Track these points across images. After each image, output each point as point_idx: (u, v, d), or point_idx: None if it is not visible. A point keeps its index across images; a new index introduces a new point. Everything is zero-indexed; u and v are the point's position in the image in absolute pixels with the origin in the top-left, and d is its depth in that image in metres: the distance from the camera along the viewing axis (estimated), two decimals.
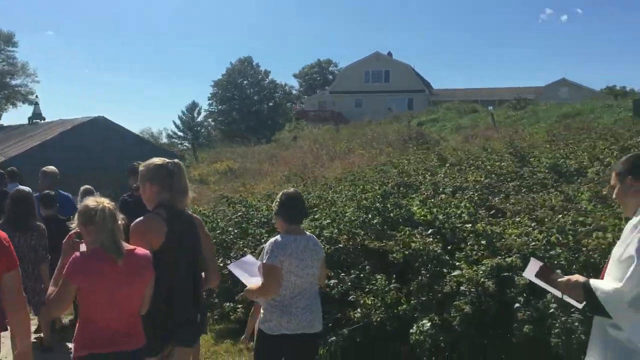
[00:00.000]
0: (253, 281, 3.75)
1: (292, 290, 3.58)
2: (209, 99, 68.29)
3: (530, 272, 2.80)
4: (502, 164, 9.54)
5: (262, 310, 3.71)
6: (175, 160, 3.32)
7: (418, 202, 6.08)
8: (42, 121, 25.83)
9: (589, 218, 4.87)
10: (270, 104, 67.16)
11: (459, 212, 5.55)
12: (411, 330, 4.75)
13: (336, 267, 5.74)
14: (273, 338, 3.57)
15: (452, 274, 4.56)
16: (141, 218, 3.14)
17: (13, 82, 39.97)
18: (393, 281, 5.12)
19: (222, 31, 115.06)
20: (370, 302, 5.07)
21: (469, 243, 4.95)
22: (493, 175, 9.03)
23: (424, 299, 4.76)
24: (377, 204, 6.07)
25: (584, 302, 2.57)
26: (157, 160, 3.29)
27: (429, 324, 4.69)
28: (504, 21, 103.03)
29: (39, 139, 20.33)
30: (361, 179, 11.04)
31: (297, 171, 16.65)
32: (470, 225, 5.06)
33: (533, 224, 5.10)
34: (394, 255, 4.99)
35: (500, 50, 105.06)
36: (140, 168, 3.31)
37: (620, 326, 2.36)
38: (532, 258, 3.06)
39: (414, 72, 49.83)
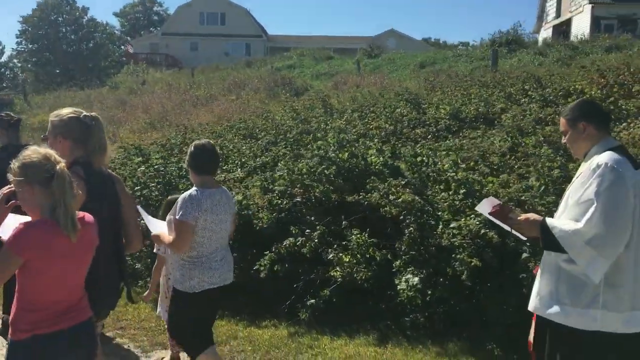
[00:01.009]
0: (159, 226, 3.67)
1: (209, 245, 3.51)
2: (17, 37, 60.07)
3: (485, 208, 2.96)
4: (401, 110, 9.63)
5: (175, 271, 3.60)
6: (93, 113, 2.97)
7: (375, 151, 5.78)
8: None
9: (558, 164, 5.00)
10: (91, 44, 61.08)
11: (427, 159, 5.37)
12: (400, 287, 4.55)
13: (296, 224, 5.31)
14: (196, 296, 3.50)
15: (451, 226, 4.39)
16: None
17: None
18: (366, 236, 4.84)
19: None
20: (348, 260, 4.76)
21: (450, 193, 4.82)
22: (396, 123, 9.09)
23: (413, 253, 4.56)
24: (331, 154, 5.67)
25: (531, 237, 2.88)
26: (70, 111, 2.93)
27: (416, 279, 4.53)
28: None
29: None
30: (252, 127, 10.48)
31: (158, 118, 15.41)
32: (452, 173, 4.90)
33: (507, 172, 5.12)
34: (386, 209, 4.68)
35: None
36: (52, 118, 2.92)
37: (575, 261, 2.58)
38: (490, 197, 3.36)
39: (250, 16, 48.63)
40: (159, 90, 19.65)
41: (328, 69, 20.63)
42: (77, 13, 61.04)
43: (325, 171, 5.52)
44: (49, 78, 54.81)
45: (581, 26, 27.06)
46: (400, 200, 4.63)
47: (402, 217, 4.67)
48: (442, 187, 5.07)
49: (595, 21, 27.01)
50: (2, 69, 61.19)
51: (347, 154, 5.65)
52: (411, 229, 4.56)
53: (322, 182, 5.42)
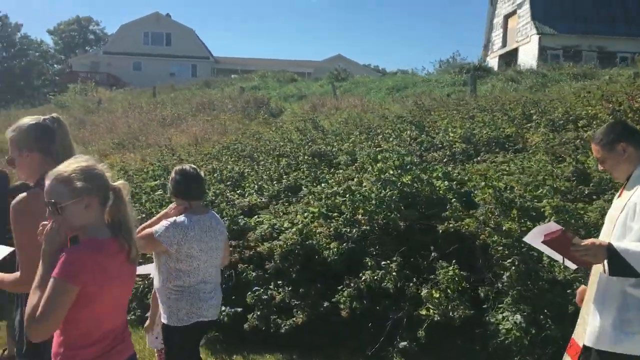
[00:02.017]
0: None
1: (196, 275, 3.32)
2: None
3: (536, 236, 2.76)
4: (410, 133, 9.34)
5: (163, 303, 3.35)
6: (54, 115, 2.63)
7: (440, 174, 5.36)
8: None
9: None
10: (23, 62, 58.18)
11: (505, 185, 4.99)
12: (502, 326, 4.12)
13: (366, 255, 4.79)
14: (186, 329, 3.29)
15: None
16: (24, 195, 2.45)
17: None
18: (456, 269, 4.39)
19: None
20: (438, 296, 4.29)
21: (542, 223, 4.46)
22: (407, 145, 8.79)
23: (519, 288, 4.14)
24: (393, 178, 5.20)
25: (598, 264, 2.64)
26: (28, 120, 2.57)
27: (518, 317, 4.12)
28: None
29: None
30: (247, 148, 9.90)
31: (127, 138, 14.49)
32: (548, 201, 4.52)
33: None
34: (490, 239, 4.25)
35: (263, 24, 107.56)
36: (10, 133, 2.55)
37: None
38: (551, 222, 3.19)
39: (196, 37, 47.85)
40: (120, 109, 18.59)
41: (295, 91, 20.23)
42: (10, 29, 58.19)
43: (390, 197, 5.05)
44: None
45: (528, 56, 28.06)
46: (505, 228, 4.21)
47: (500, 247, 4.25)
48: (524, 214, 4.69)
49: (542, 51, 28.07)
50: None
51: (409, 177, 5.21)
52: (515, 261, 4.15)
53: (390, 209, 4.95)
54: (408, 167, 5.29)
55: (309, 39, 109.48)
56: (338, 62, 47.79)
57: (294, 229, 4.89)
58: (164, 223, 3.30)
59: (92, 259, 2.03)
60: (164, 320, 3.37)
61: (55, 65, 63.34)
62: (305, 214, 5.27)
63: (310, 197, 6.41)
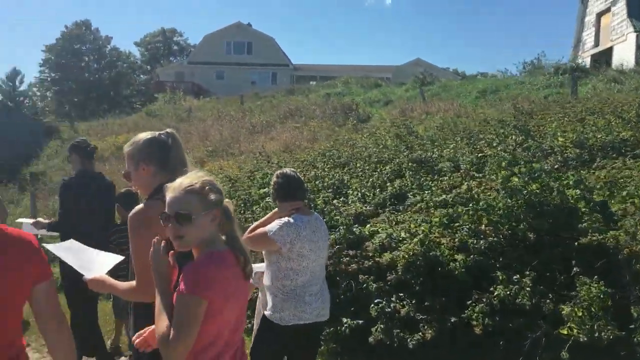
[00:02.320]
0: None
1: (304, 274, 3.35)
2: (40, 66, 60.38)
3: None
4: (516, 138, 8.89)
5: (269, 298, 3.40)
6: (168, 130, 2.75)
7: (571, 182, 5.00)
8: None
9: None
10: (113, 73, 61.27)
11: None
12: None
13: (494, 268, 4.51)
14: (284, 329, 3.32)
15: None
16: (141, 206, 2.56)
17: None
18: (601, 285, 4.03)
19: None
20: (581, 314, 3.95)
21: None
22: (513, 151, 8.36)
23: None
24: (520, 187, 4.89)
25: None
26: (144, 135, 2.69)
27: None
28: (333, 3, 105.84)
29: None
30: (343, 155, 9.79)
31: (220, 146, 14.79)
32: None
33: None
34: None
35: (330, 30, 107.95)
36: (127, 148, 2.69)
37: None
38: None
39: (276, 45, 48.56)
40: (210, 117, 19.07)
41: (381, 96, 20.00)
42: (100, 42, 61.44)
43: (517, 206, 4.75)
44: (70, 106, 54.90)
45: (623, 55, 26.43)
46: None
47: None
48: None
49: None
50: (21, 97, 61.10)
51: (537, 185, 4.88)
52: None
53: (518, 219, 4.65)
54: (536, 174, 4.95)
55: (384, 44, 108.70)
56: (417, 66, 47.25)
57: (416, 240, 4.69)
58: (277, 222, 3.35)
59: (217, 271, 2.02)
60: (266, 311, 3.42)
61: (141, 76, 66.23)
62: (424, 224, 5.05)
63: (421, 204, 6.20)
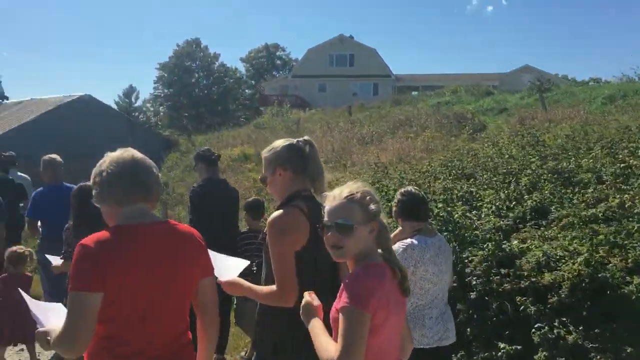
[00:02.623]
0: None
1: (425, 297, 3.29)
2: (154, 83, 64.35)
3: None
4: None
5: None
6: (305, 138, 2.75)
7: None
8: (6, 101, 22.43)
9: None
10: (220, 88, 63.96)
11: None
12: None
13: None
14: None
15: None
16: (281, 212, 2.55)
17: None
18: None
19: (155, 11, 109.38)
20: None
21: None
22: None
23: None
24: None
25: None
26: (282, 141, 2.74)
27: None
28: (432, 12, 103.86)
29: (16, 119, 17.33)
30: (468, 166, 9.34)
31: (333, 157, 14.79)
32: None
33: None
34: None
35: (437, 38, 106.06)
36: (265, 154, 2.72)
37: None
38: None
39: (378, 56, 48.43)
40: (319, 129, 19.21)
41: (494, 104, 19.21)
42: (209, 59, 64.39)
43: None
44: (188, 120, 57.78)
45: None
46: None
47: None
48: None
49: None
50: (136, 113, 65.25)
51: None
52: None
53: None
54: None
55: (486, 52, 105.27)
56: (526, 73, 45.30)
57: (580, 259, 4.24)
58: (400, 244, 3.27)
59: (378, 284, 1.94)
60: None
61: (246, 91, 68.59)
62: (584, 241, 4.58)
63: (569, 219, 5.69)
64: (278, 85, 50.54)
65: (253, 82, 67.96)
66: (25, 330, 4.94)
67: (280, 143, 2.71)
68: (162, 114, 65.27)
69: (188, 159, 18.49)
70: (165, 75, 62.91)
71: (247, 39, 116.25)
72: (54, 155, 6.00)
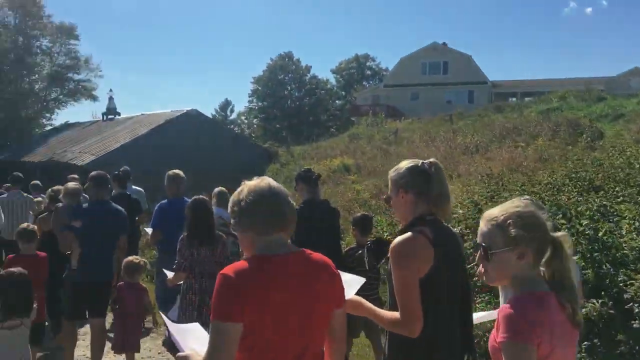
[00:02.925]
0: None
1: None
2: (249, 96, 66.31)
3: None
4: None
5: None
6: (432, 160, 2.63)
7: None
8: (118, 117, 23.84)
9: None
10: (312, 100, 64.76)
11: None
12: None
13: None
14: None
15: None
16: (404, 237, 2.43)
17: (76, 77, 37.54)
18: None
19: (249, 27, 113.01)
20: None
21: None
22: None
23: None
24: None
25: None
26: (407, 162, 2.63)
27: None
28: (528, 17, 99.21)
29: (129, 134, 18.29)
30: (596, 177, 8.68)
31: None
32: None
33: None
34: None
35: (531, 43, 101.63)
36: (391, 174, 2.66)
37: None
38: None
39: (473, 63, 47.05)
40: (418, 138, 18.80)
41: (608, 110, 17.97)
42: (301, 71, 65.45)
43: None
44: (276, 133, 59.00)
45: None
46: None
47: None
48: None
49: None
50: (231, 125, 67.30)
51: None
52: None
53: None
54: None
55: (587, 54, 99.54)
56: (636, 76, 42.31)
57: None
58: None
59: (537, 313, 1.81)
60: None
61: (336, 101, 68.97)
62: None
63: None
64: (370, 95, 50.38)
65: (343, 92, 68.24)
66: (130, 338, 5.17)
67: (404, 164, 2.65)
68: (255, 126, 67.00)
69: (288, 170, 18.70)
70: (259, 88, 64.61)
71: (337, 50, 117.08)
72: (177, 171, 6.30)
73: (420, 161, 2.63)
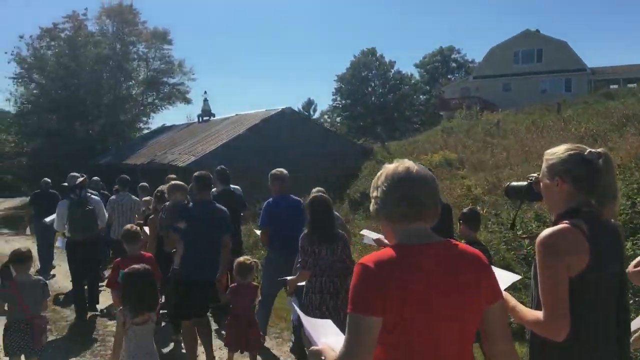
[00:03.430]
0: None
1: None
2: (333, 94, 66.27)
3: None
4: None
5: None
6: (601, 150, 2.28)
7: None
8: (213, 118, 24.24)
9: None
10: (396, 95, 63.64)
11: None
12: None
13: None
14: None
15: None
16: (554, 230, 2.19)
17: (171, 81, 38.44)
18: None
19: (331, 27, 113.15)
20: None
21: None
22: None
23: None
24: None
25: None
26: (568, 147, 2.32)
27: None
28: None
29: (226, 134, 18.45)
30: None
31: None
32: None
33: None
34: None
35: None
36: (549, 157, 2.34)
37: None
38: None
39: (570, 49, 44.28)
40: (524, 129, 17.67)
41: None
42: (385, 67, 64.50)
43: None
44: (359, 130, 58.43)
45: None
46: None
47: None
48: None
49: None
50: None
51: None
52: None
53: None
54: None
55: None
56: None
57: None
58: None
59: None
60: None
61: (420, 96, 67.48)
62: None
63: None
64: (458, 88, 48.79)
65: (427, 87, 66.70)
66: (248, 338, 5.17)
67: (564, 149, 2.35)
68: (338, 124, 66.90)
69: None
70: (343, 86, 64.32)
71: (421, 44, 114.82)
72: (281, 169, 6.27)
73: (588, 149, 2.30)
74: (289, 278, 4.96)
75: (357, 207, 14.64)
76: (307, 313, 4.69)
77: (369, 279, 1.82)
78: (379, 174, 2.04)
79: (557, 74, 43.02)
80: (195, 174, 5.63)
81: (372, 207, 2.06)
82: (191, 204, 5.66)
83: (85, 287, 7.93)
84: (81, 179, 8.02)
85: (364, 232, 5.56)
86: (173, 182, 6.41)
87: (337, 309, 4.68)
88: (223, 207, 5.55)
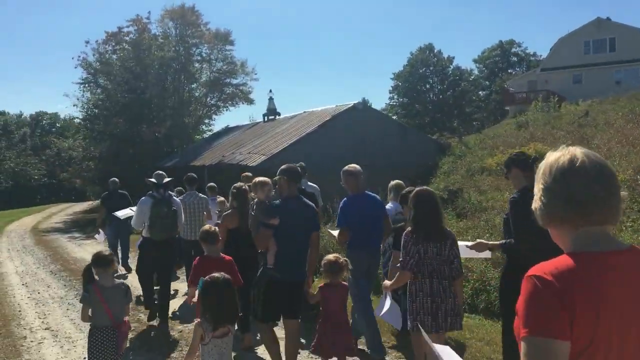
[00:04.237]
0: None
1: None
2: (389, 93, 65.17)
3: None
4: None
5: None
6: None
7: None
8: (279, 116, 23.85)
9: None
10: (455, 92, 61.92)
11: None
12: None
13: None
14: None
15: None
16: None
17: (233, 82, 38.36)
18: None
19: (387, 26, 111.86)
20: None
21: None
22: None
23: None
24: None
25: None
26: None
27: None
28: None
29: (295, 133, 17.94)
30: None
31: None
32: None
33: None
34: None
35: None
36: None
37: None
38: None
39: None
40: (620, 118, 16.34)
41: None
42: (443, 63, 62.91)
43: None
44: (459, 122, 56.99)
45: None
46: None
47: None
48: None
49: None
50: None
51: None
52: None
53: None
54: None
55: None
56: None
57: None
58: None
59: None
60: None
61: (480, 92, 65.54)
62: None
63: None
64: (525, 82, 46.90)
65: (487, 82, 64.72)
66: (337, 339, 4.87)
67: None
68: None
69: (466, 162, 17.25)
70: (400, 84, 63.14)
71: (479, 39, 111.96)
72: (354, 165, 6.06)
73: None
74: (385, 283, 4.82)
75: (443, 204, 13.79)
76: (416, 319, 4.40)
77: (548, 295, 1.49)
78: (540, 164, 1.67)
79: (633, 63, 40.64)
80: (283, 167, 5.33)
81: (533, 205, 1.68)
82: (279, 200, 5.36)
83: (156, 287, 7.77)
84: (168, 179, 7.71)
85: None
86: (259, 178, 6.22)
87: (447, 317, 4.41)
88: (311, 203, 5.35)
